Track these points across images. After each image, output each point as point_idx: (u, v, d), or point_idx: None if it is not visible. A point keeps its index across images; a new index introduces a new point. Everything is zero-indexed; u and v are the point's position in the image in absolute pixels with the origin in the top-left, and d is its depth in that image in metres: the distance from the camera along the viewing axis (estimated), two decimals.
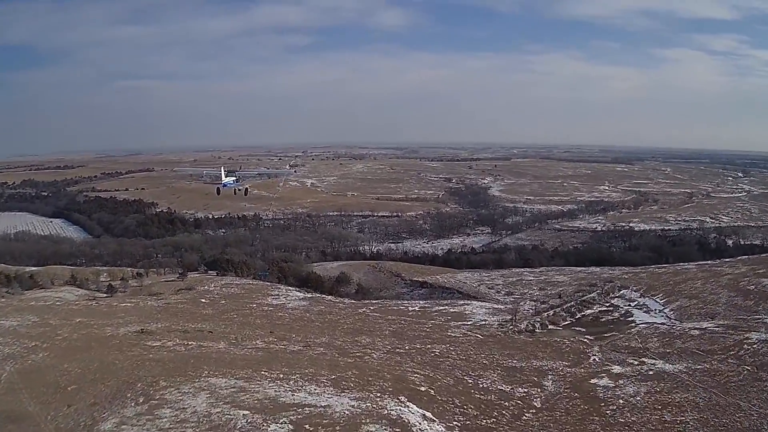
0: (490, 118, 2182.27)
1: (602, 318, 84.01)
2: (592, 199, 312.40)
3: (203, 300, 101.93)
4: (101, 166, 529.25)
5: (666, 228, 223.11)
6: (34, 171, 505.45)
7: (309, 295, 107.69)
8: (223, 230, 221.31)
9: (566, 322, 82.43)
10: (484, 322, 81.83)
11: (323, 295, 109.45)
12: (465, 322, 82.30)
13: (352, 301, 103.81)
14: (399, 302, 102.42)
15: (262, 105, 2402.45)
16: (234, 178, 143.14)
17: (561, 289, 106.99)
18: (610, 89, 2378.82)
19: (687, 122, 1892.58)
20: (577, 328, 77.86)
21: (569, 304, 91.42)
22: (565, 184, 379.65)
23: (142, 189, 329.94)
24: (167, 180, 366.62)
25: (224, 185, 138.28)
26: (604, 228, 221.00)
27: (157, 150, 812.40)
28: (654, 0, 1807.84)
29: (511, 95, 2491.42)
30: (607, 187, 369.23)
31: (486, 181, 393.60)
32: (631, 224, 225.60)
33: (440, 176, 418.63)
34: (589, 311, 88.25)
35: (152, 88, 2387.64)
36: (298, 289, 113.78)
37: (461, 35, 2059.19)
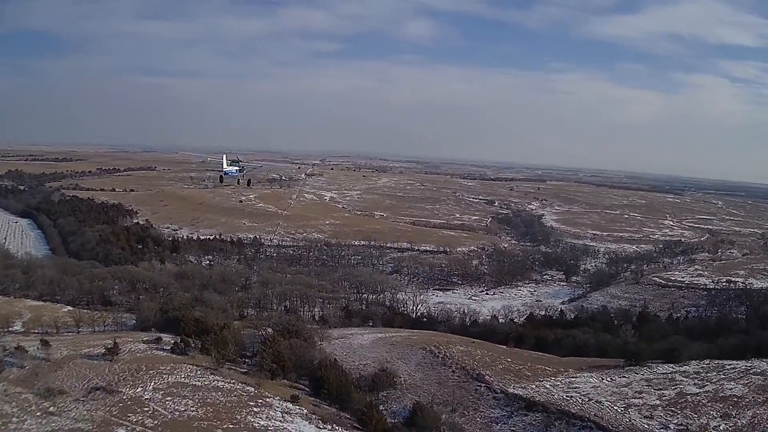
0: (512, 136, 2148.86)
1: None
2: (667, 237, 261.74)
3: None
4: (102, 161, 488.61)
5: None
6: (29, 161, 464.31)
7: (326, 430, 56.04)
8: (210, 258, 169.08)
9: None
10: None
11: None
12: None
13: None
14: None
15: (283, 109, 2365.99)
16: (237, 168, 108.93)
17: (749, 411, 64.68)
18: (632, 112, 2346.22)
19: (708, 151, 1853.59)
20: None
21: None
22: (625, 215, 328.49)
23: (131, 191, 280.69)
24: (162, 182, 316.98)
25: (226, 173, 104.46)
26: (714, 285, 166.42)
27: (173, 148, 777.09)
28: (679, 24, 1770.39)
29: (534, 114, 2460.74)
30: (671, 222, 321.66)
31: (533, 207, 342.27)
32: (738, 278, 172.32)
33: (480, 198, 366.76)
34: None
35: (174, 85, 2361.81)
36: (307, 413, 61.74)
37: (487, 50, 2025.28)
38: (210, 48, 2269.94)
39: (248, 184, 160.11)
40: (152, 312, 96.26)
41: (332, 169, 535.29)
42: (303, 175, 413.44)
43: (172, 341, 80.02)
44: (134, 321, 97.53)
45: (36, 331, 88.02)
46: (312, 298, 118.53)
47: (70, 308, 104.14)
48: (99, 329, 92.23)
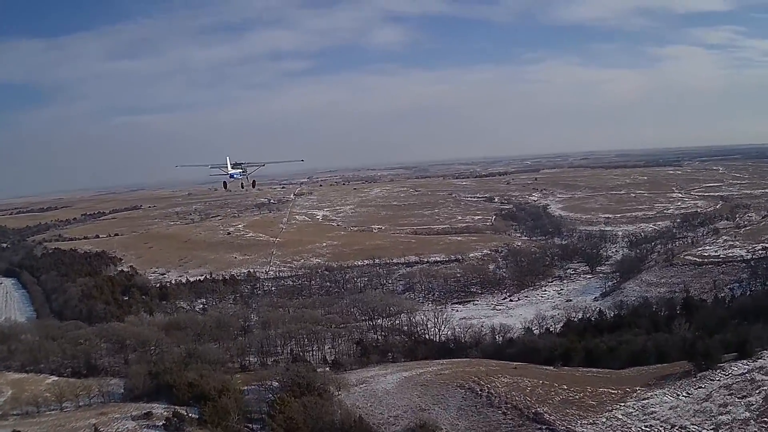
0: (495, 131, 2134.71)
1: None
2: (681, 211, 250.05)
3: None
4: (87, 205, 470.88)
5: None
6: (14, 215, 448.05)
7: None
8: (202, 301, 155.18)
9: None
10: None
11: None
12: None
13: None
14: None
15: (261, 131, 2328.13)
16: (240, 170, 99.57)
17: None
18: (610, 93, 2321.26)
19: (695, 120, 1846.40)
20: None
21: None
22: (632, 194, 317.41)
23: (115, 235, 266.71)
24: (147, 221, 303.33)
25: (231, 176, 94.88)
26: (751, 255, 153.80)
27: (158, 185, 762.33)
28: None
29: (514, 106, 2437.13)
30: (680, 194, 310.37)
31: (536, 198, 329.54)
32: None
33: (478, 196, 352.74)
34: None
35: (151, 122, 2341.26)
36: None
37: (459, 49, 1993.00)
38: (182, 80, 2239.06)
39: (253, 186, 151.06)
40: (141, 377, 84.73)
41: (321, 185, 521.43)
42: (292, 196, 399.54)
43: (165, 415, 68.73)
44: (123, 389, 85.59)
45: (15, 412, 78.56)
46: (321, 335, 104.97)
47: (54, 379, 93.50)
48: (84, 403, 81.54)
